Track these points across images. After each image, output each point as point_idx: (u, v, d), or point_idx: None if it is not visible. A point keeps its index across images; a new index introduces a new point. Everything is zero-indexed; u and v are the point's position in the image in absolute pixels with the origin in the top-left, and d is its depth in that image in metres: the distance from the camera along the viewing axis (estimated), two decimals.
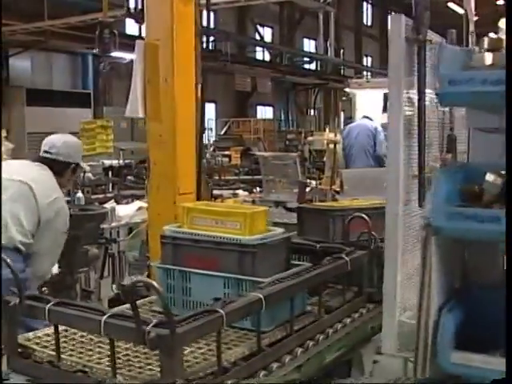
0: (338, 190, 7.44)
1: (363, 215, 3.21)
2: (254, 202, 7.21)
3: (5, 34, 11.92)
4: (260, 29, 23.78)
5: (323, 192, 7.73)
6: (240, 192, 7.98)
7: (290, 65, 23.58)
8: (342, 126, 25.26)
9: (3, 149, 8.99)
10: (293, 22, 24.94)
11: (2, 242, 3.08)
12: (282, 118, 24.70)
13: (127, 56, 15.74)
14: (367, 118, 8.63)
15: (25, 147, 13.60)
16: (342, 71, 27.56)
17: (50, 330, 2.47)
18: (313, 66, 26.18)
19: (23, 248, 3.33)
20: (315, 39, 26.29)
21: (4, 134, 9.68)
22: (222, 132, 19.96)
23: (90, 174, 7.68)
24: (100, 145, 12.78)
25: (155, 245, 3.35)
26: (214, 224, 2.75)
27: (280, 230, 2.84)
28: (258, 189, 8.22)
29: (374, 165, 8.55)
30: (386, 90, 8.59)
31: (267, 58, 23.61)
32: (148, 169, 3.21)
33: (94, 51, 15.60)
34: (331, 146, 9.42)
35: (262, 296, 2.30)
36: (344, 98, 30.10)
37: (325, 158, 9.74)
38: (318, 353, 2.64)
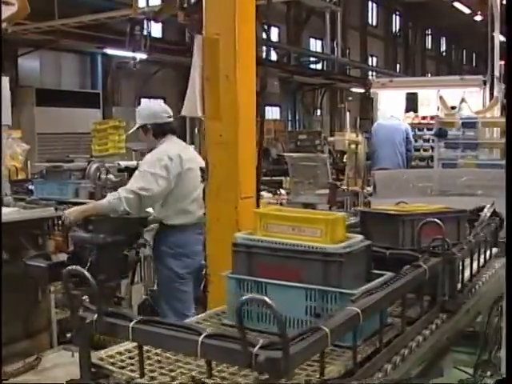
0: (364, 190, 7.28)
1: (437, 220, 3.02)
2: (281, 204, 7.02)
3: (17, 33, 11.70)
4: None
5: (351, 193, 7.56)
6: (264, 194, 7.77)
7: (298, 65, 23.38)
8: (347, 126, 25.11)
9: (19, 150, 8.78)
10: (299, 22, 24.75)
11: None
12: (289, 118, 24.47)
13: (137, 55, 15.57)
14: (395, 118, 8.55)
15: (35, 148, 13.36)
16: (347, 71, 27.43)
17: (122, 347, 2.27)
18: (319, 66, 26.00)
19: None
20: (321, 39, 26.13)
21: (19, 134, 9.49)
22: None
23: (111, 176, 7.45)
24: (112, 145, 12.62)
25: (214, 252, 3.16)
26: (291, 231, 2.55)
27: (359, 236, 2.65)
28: (281, 190, 8.01)
29: (403, 165, 8.45)
30: (409, 90, 8.48)
31: (274, 58, 23.41)
32: (206, 171, 3.01)
33: (104, 50, 15.46)
34: (353, 146, 9.27)
35: (359, 310, 2.10)
36: (350, 98, 30.09)
37: (345, 159, 9.57)
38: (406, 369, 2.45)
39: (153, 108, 4.56)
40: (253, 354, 1.70)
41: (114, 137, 12.53)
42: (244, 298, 1.64)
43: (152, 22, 17.30)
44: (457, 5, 28.59)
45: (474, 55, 46.12)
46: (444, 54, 42.29)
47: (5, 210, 4.57)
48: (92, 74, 16.45)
